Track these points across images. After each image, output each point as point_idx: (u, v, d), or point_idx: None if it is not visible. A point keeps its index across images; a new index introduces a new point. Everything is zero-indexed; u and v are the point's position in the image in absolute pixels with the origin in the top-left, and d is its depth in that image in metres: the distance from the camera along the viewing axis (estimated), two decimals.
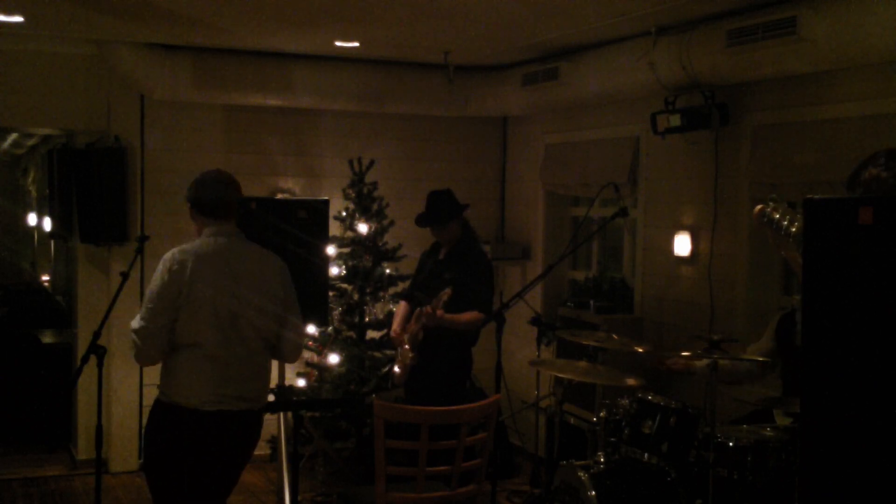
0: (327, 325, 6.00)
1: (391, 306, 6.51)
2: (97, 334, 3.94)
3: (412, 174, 7.53)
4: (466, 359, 5.49)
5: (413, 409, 4.18)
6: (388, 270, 6.60)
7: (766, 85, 5.22)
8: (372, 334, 6.58)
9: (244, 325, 3.80)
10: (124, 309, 4.93)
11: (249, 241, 3.96)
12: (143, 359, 3.82)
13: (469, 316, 5.19)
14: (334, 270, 6.43)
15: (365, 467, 5.94)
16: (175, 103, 6.81)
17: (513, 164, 7.85)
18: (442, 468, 4.06)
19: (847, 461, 2.45)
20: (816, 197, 2.54)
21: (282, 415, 5.05)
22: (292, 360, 4.25)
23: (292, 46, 6.54)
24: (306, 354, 6.20)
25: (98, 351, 3.92)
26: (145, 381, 6.73)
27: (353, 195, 6.67)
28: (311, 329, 5.45)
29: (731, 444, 4.02)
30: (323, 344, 5.95)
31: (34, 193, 11.54)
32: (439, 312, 5.06)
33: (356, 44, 6.29)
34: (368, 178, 6.71)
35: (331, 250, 6.11)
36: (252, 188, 6.29)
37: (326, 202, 4.94)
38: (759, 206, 3.26)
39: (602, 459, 4.50)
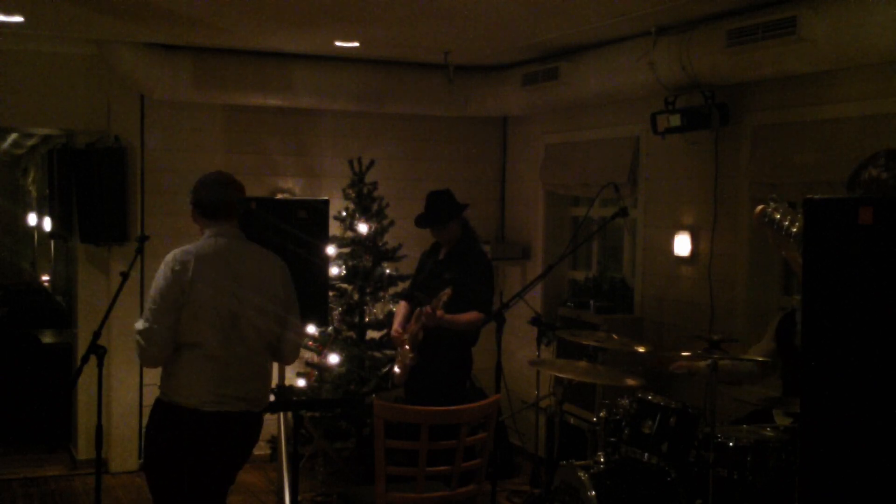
0: (327, 325, 6.00)
1: (391, 306, 6.50)
2: (97, 334, 3.94)
3: (412, 174, 7.53)
4: (466, 359, 5.48)
5: (413, 409, 4.19)
6: (388, 270, 6.60)
7: (766, 85, 5.22)
8: (372, 334, 6.58)
9: (245, 326, 3.80)
10: (124, 309, 4.94)
11: (250, 242, 3.97)
12: (148, 359, 3.81)
13: (469, 316, 5.19)
14: (334, 270, 6.43)
15: (365, 467, 5.94)
16: (175, 103, 6.80)
17: (513, 164, 7.85)
18: (442, 468, 4.06)
19: (847, 461, 2.46)
20: (816, 197, 2.55)
21: (282, 415, 5.04)
22: (291, 361, 4.24)
23: (292, 46, 6.54)
24: (306, 354, 6.20)
25: (98, 351, 3.92)
26: (145, 381, 6.72)
27: (353, 195, 6.67)
28: (311, 329, 5.44)
29: (731, 444, 4.02)
30: (323, 344, 5.94)
31: (34, 193, 11.53)
32: (439, 312, 5.06)
33: (356, 44, 6.29)
34: (368, 178, 6.71)
35: (331, 250, 6.11)
36: (252, 188, 6.21)
37: (326, 202, 4.93)
38: (759, 207, 3.27)
39: (602, 459, 4.50)
